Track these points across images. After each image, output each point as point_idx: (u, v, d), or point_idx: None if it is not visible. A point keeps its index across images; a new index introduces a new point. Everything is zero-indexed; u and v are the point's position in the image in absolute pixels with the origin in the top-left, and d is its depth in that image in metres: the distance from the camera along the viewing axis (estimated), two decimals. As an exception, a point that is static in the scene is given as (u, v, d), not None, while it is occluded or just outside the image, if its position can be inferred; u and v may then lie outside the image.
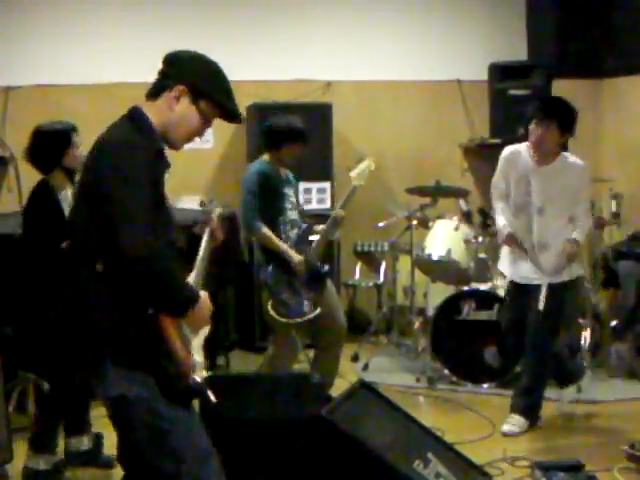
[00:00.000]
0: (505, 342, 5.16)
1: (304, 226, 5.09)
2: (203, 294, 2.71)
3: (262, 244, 5.02)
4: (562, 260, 4.73)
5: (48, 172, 4.16)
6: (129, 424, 2.65)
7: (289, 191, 5.10)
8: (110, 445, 4.30)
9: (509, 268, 5.01)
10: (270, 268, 4.94)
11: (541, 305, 4.71)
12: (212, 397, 2.76)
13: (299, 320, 4.93)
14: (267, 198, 4.96)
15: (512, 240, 4.85)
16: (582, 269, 5.17)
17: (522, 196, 4.80)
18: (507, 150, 4.90)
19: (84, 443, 4.40)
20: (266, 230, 4.92)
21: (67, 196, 4.10)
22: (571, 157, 4.79)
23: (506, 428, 4.91)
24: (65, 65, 6.86)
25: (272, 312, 4.89)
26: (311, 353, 5.38)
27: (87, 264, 2.61)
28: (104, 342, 2.59)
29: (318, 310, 4.96)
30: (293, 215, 5.07)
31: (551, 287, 4.73)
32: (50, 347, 3.98)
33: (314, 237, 5.15)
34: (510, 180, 4.86)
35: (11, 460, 4.22)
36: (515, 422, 4.93)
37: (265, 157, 5.09)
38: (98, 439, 4.44)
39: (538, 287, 4.76)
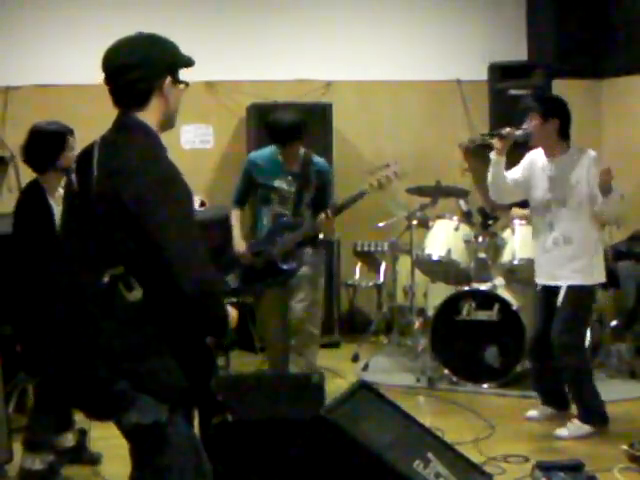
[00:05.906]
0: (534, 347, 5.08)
1: (282, 220, 5.12)
2: (233, 311, 2.63)
3: None
4: (584, 258, 4.76)
5: (42, 172, 4.16)
6: (160, 449, 2.52)
7: (282, 184, 5.11)
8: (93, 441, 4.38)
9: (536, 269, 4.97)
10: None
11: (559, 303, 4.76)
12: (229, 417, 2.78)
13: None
14: (251, 185, 5.19)
15: None
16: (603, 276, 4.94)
17: (545, 193, 4.83)
18: (530, 152, 5.01)
19: (68, 440, 4.38)
20: (233, 214, 5.25)
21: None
22: (584, 150, 4.84)
23: (529, 413, 5.10)
24: (65, 65, 6.86)
25: None
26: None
27: (91, 282, 2.46)
28: (141, 372, 2.45)
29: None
30: (280, 208, 5.11)
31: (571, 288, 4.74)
32: (41, 345, 3.95)
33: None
34: (531, 178, 4.91)
35: (11, 460, 4.22)
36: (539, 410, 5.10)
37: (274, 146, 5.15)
38: (82, 435, 4.43)
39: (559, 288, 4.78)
